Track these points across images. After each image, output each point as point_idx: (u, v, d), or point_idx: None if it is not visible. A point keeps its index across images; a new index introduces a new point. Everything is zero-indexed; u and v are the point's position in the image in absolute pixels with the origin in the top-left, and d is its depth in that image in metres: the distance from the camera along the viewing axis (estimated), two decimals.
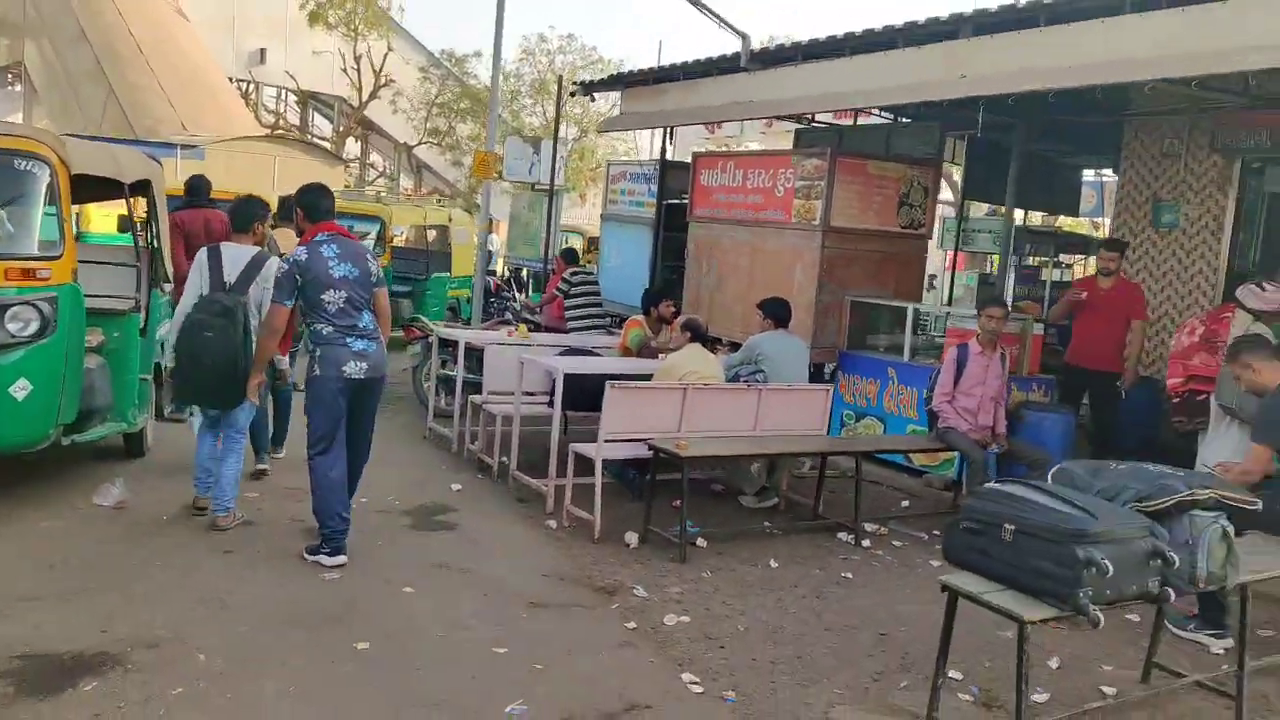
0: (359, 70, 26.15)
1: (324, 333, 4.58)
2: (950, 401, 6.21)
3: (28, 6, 25.34)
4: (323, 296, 4.55)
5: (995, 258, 13.16)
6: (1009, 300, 8.56)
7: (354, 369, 4.60)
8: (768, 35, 30.81)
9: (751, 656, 4.03)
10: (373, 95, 26.82)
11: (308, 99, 30.43)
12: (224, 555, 4.68)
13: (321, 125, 32.11)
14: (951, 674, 3.83)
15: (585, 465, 5.60)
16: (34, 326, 4.55)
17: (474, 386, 7.08)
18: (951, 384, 6.22)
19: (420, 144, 28.33)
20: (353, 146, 30.29)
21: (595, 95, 11.36)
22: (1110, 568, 3.13)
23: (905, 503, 6.66)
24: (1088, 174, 13.86)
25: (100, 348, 5.24)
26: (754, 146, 20.16)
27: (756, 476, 6.42)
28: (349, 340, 4.60)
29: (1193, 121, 7.88)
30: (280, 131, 26.46)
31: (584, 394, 6.05)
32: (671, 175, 9.81)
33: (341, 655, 3.71)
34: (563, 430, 6.00)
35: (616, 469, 6.07)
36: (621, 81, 10.03)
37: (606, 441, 5.49)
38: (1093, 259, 10.51)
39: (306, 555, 4.68)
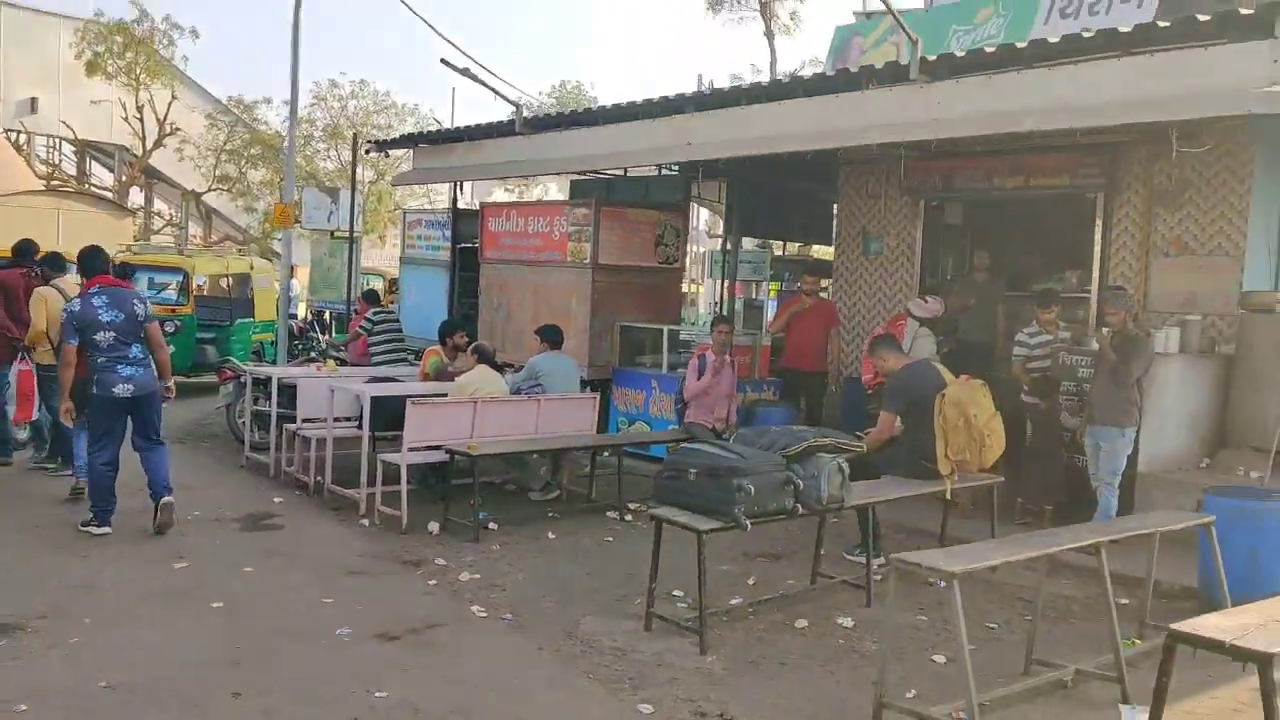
0: (141, 119, 25.80)
1: (99, 362, 6.05)
2: (695, 399, 7.85)
3: None
4: (95, 336, 6.00)
5: (771, 285, 15.25)
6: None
7: (122, 389, 6.03)
8: (554, 85, 32.68)
9: (525, 594, 5.39)
10: (157, 144, 26.48)
11: (85, 148, 29.47)
12: (82, 558, 5.56)
13: (101, 175, 31.09)
14: (675, 592, 5.34)
15: (391, 474, 6.79)
16: None
17: (284, 419, 8.08)
18: (695, 384, 7.86)
19: (209, 190, 28.12)
20: (137, 195, 29.54)
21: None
22: (754, 490, 4.74)
23: None
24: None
25: None
26: (543, 190, 21.79)
27: (542, 475, 7.81)
28: (118, 368, 6.03)
29: (887, 169, 10.05)
30: (57, 183, 25.63)
31: (388, 416, 7.25)
32: (463, 221, 11.16)
33: (201, 612, 4.77)
34: (371, 448, 7.15)
35: (420, 476, 7.28)
36: (413, 141, 11.30)
37: (409, 450, 6.72)
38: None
39: (80, 526, 6.06)
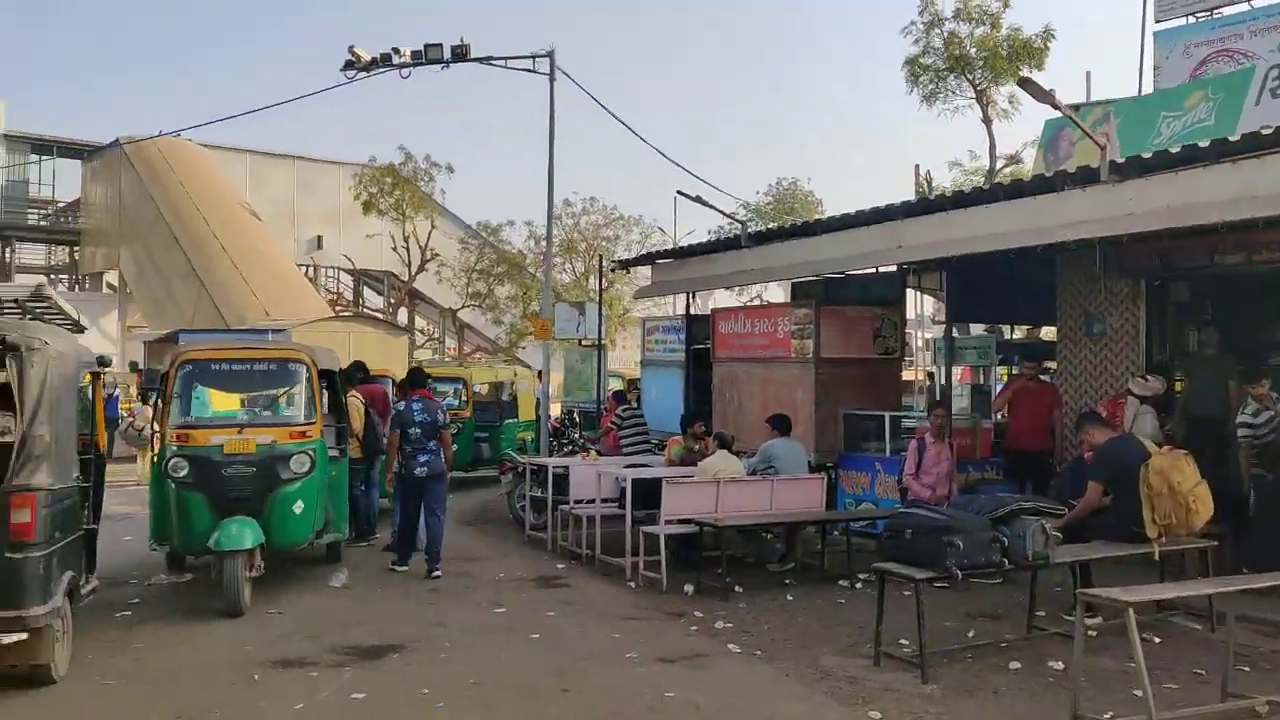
0: (408, 248, 30.11)
1: (406, 450, 8.62)
2: (915, 479, 8.87)
3: (121, 221, 29.92)
4: (409, 431, 8.58)
5: (1002, 369, 15.82)
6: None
7: (420, 471, 8.56)
8: (769, 184, 34.57)
9: (771, 638, 6.64)
10: (420, 269, 30.69)
11: (359, 276, 34.58)
12: (429, 605, 7.45)
13: (371, 298, 36.15)
14: (900, 640, 6.38)
15: (651, 543, 8.30)
16: (306, 467, 7.50)
17: (557, 502, 9.88)
18: (915, 466, 8.90)
19: (463, 307, 32.03)
20: (402, 315, 34.11)
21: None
22: (962, 545, 5.82)
23: None
24: None
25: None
26: (760, 290, 23.38)
27: (778, 549, 9.07)
28: (419, 456, 8.58)
29: (1105, 252, 10.74)
30: (340, 308, 30.29)
31: (644, 495, 8.82)
32: (695, 326, 12.84)
33: (524, 641, 6.42)
34: (631, 523, 8.71)
35: (674, 546, 8.74)
36: (651, 259, 13.23)
37: (666, 522, 8.22)
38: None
39: (391, 565, 8.74)
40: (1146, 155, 7.64)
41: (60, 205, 35.13)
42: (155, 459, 8.02)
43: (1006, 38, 19.15)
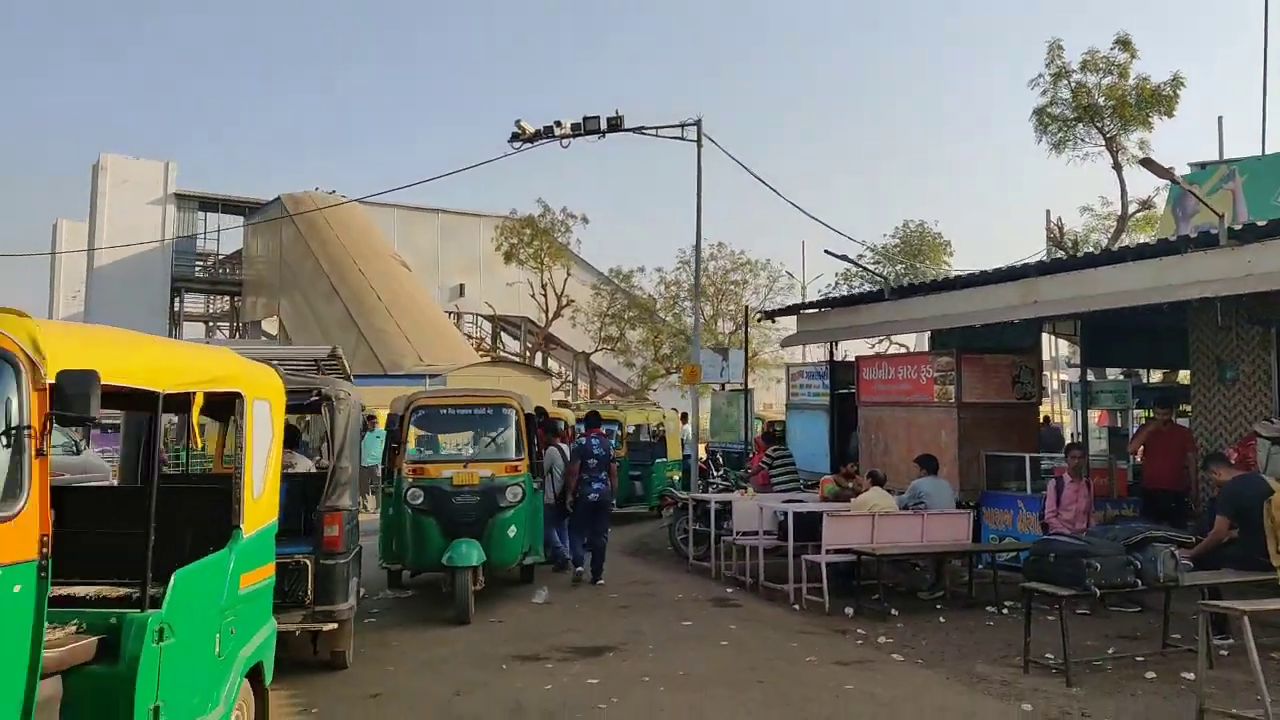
0: (545, 295, 32.23)
1: (584, 478, 10.56)
2: (1055, 516, 9.85)
3: (282, 272, 33.02)
4: (588, 461, 10.57)
5: (1140, 411, 16.42)
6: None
7: (594, 496, 10.50)
8: (897, 226, 35.34)
9: (929, 651, 7.77)
10: (556, 314, 32.77)
11: (497, 322, 36.95)
12: (624, 618, 8.88)
13: (508, 342, 38.48)
14: (1046, 655, 7.43)
15: (813, 571, 9.52)
16: (519, 497, 9.09)
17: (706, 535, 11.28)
18: (1055, 503, 9.87)
19: (596, 351, 33.92)
20: (536, 359, 36.28)
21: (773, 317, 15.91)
22: (1100, 567, 6.89)
23: None
24: None
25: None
26: (888, 341, 24.36)
27: (928, 579, 10.15)
28: (593, 484, 10.56)
29: (1234, 303, 11.51)
30: (482, 354, 32.56)
31: (801, 528, 10.06)
32: (839, 372, 14.05)
33: (715, 645, 7.77)
34: (792, 553, 9.96)
35: (832, 574, 9.93)
36: (795, 310, 14.55)
37: (827, 551, 9.44)
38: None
39: (573, 580, 10.59)
40: (1262, 223, 8.57)
41: (220, 258, 38.84)
42: (387, 490, 9.77)
43: (1135, 86, 19.81)
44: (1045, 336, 13.69)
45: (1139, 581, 7.05)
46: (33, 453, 3.44)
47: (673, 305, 33.42)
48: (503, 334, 38.87)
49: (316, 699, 6.42)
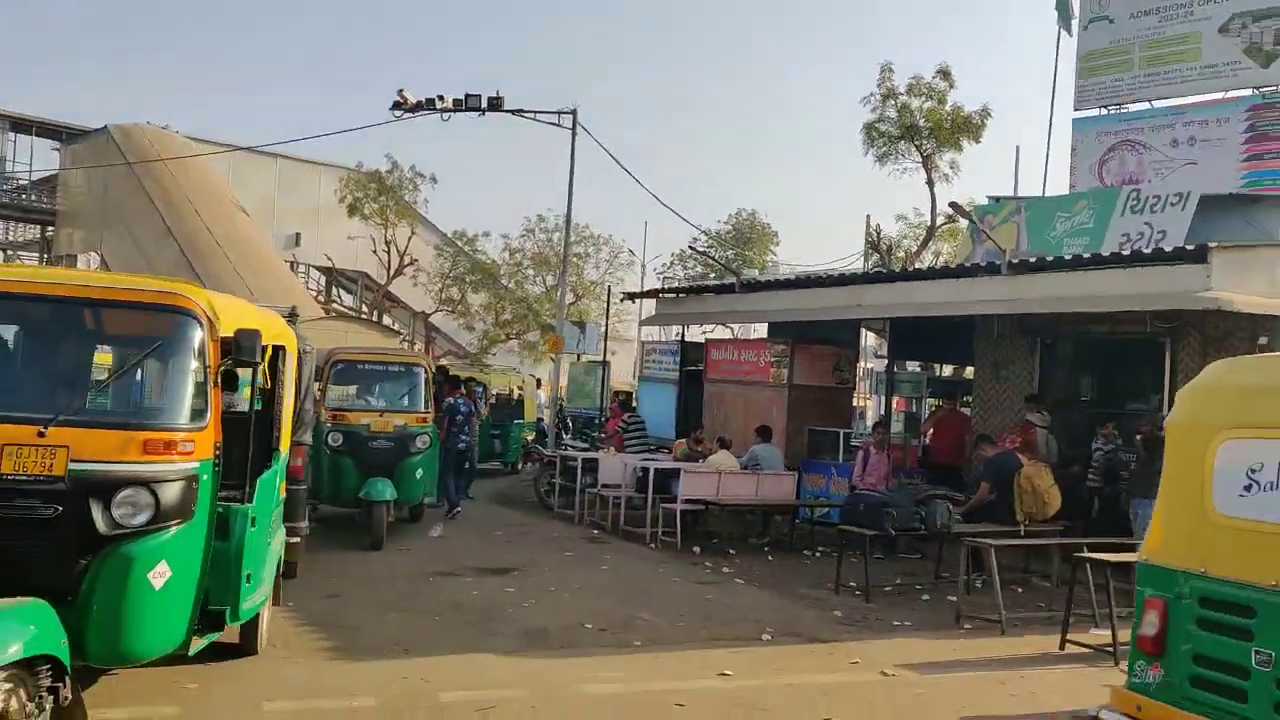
0: (388, 252, 33.05)
1: (452, 431, 12.68)
2: (861, 480, 12.49)
3: (106, 206, 32.25)
4: (456, 417, 12.82)
5: (932, 400, 19.68)
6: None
7: (460, 445, 12.96)
8: (730, 214, 38.27)
9: (761, 578, 10.13)
10: (398, 273, 33.65)
11: (331, 275, 37.31)
12: (519, 548, 10.82)
13: (343, 298, 38.86)
14: (850, 583, 9.92)
15: (668, 517, 11.74)
16: (427, 444, 10.82)
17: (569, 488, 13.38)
18: (862, 470, 12.52)
19: (435, 312, 35.04)
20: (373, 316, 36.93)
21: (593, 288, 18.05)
22: (896, 514, 9.46)
23: None
24: None
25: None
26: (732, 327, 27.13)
27: (758, 526, 12.61)
28: (460, 436, 12.95)
29: (1011, 318, 14.56)
30: (320, 306, 33.04)
31: (655, 483, 12.28)
32: (689, 351, 16.37)
33: (598, 569, 9.85)
34: (650, 503, 12.15)
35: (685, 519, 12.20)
36: (655, 294, 16.77)
37: (683, 501, 11.68)
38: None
39: (447, 515, 12.27)
40: (1032, 260, 11.43)
41: (29, 183, 37.14)
42: None
43: (950, 113, 23.14)
44: (861, 331, 16.54)
45: (923, 526, 9.68)
46: (212, 386, 5.08)
47: (516, 272, 35.01)
48: (338, 288, 39.22)
49: (286, 598, 8.03)
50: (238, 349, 5.04)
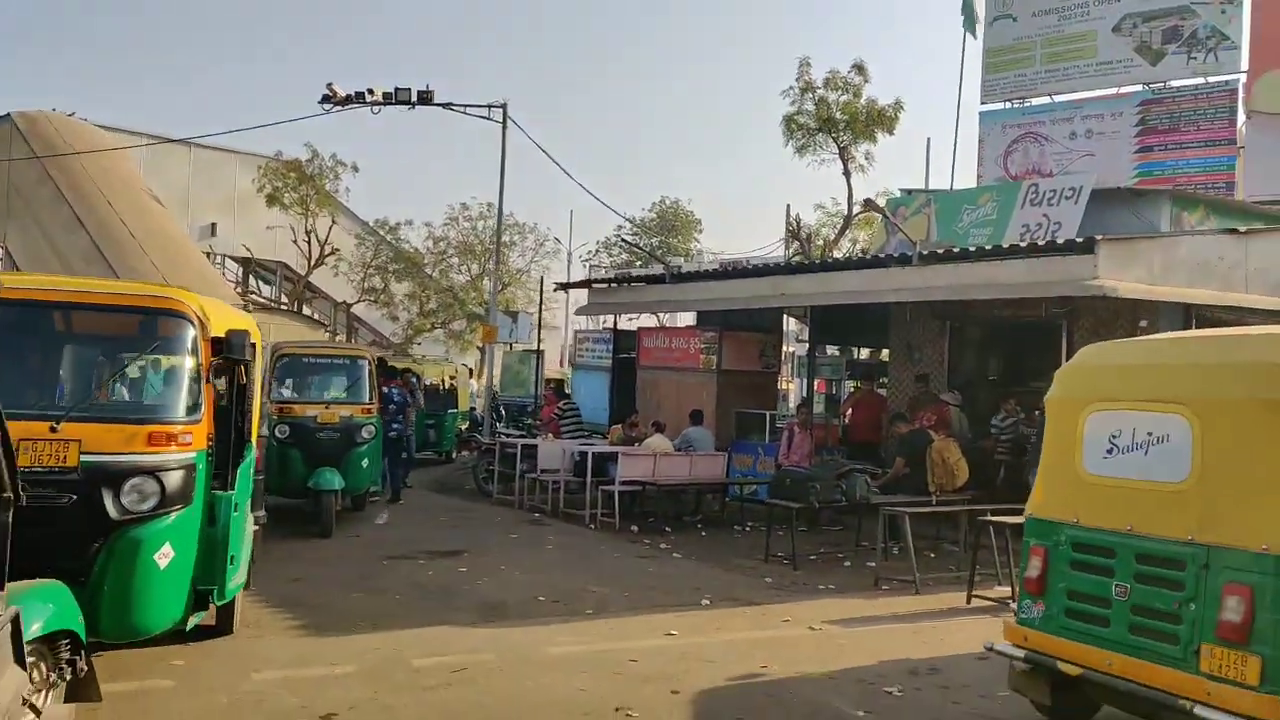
0: (309, 242, 32.98)
1: (385, 420, 12.39)
2: (786, 458, 13.39)
3: (11, 195, 31.47)
4: (389, 406, 12.69)
5: (851, 381, 20.77)
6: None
7: (393, 433, 13.28)
8: (654, 201, 39.07)
9: (695, 552, 10.94)
10: (319, 263, 33.59)
11: (250, 266, 36.98)
12: (462, 530, 11.42)
13: (261, 289, 38.54)
14: (778, 553, 10.79)
15: (605, 499, 12.46)
16: (372, 434, 11.34)
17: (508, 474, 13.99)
18: (787, 448, 13.42)
19: (358, 302, 35.08)
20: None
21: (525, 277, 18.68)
22: (819, 488, 10.35)
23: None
24: None
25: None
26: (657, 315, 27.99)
27: (690, 505, 13.43)
28: (393, 424, 13.24)
29: (922, 304, 15.60)
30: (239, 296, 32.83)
31: (595, 466, 13.00)
32: (622, 339, 17.10)
33: (543, 549, 10.53)
34: (589, 487, 12.85)
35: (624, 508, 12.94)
36: (588, 284, 17.44)
37: (620, 483, 12.42)
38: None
39: (389, 501, 12.82)
40: (940, 250, 12.42)
41: None
42: None
43: (865, 106, 24.22)
44: (784, 318, 17.48)
45: (844, 499, 10.59)
46: (204, 383, 5.63)
47: (440, 261, 35.25)
48: (256, 279, 38.84)
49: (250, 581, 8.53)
50: (228, 347, 5.60)
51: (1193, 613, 4.63)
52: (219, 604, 6.27)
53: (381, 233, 35.38)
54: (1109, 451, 5.18)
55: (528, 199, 76.04)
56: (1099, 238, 10.87)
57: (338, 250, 33.61)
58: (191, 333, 5.56)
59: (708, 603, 8.43)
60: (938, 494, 11.23)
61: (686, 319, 20.03)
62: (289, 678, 5.98)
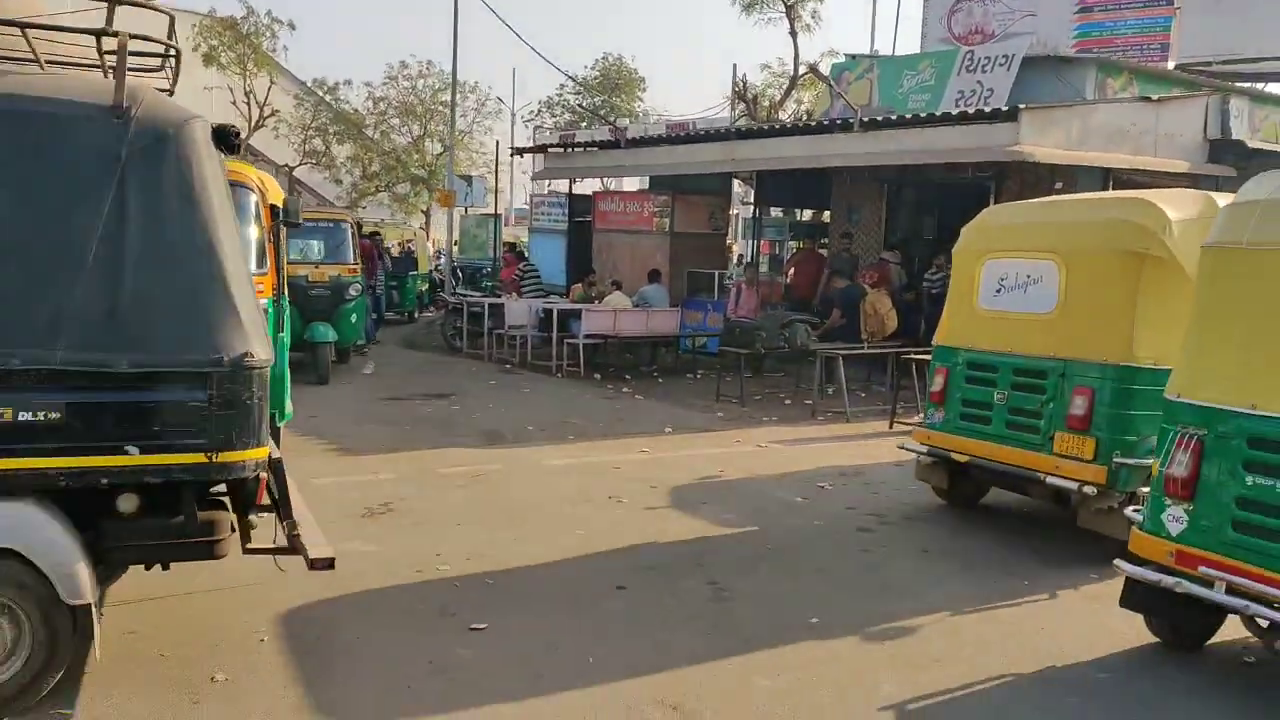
0: (249, 104, 32.99)
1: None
2: (734, 312, 14.97)
3: None
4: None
5: (794, 242, 22.32)
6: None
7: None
8: (597, 58, 39.34)
9: (655, 393, 12.56)
10: (258, 125, 33.68)
11: None
12: (437, 377, 12.89)
13: None
14: (726, 394, 12.44)
15: (570, 351, 13.94)
16: (359, 291, 12.59)
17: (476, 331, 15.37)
18: (734, 304, 14.98)
19: (300, 165, 35.36)
20: None
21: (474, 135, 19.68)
22: (765, 336, 11.98)
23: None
24: None
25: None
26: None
27: (647, 356, 15.02)
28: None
29: (866, 168, 17.02)
30: None
31: (559, 322, 14.44)
32: (577, 203, 18.30)
33: (523, 392, 12.08)
34: (555, 341, 14.31)
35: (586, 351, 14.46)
36: (544, 149, 18.49)
37: (585, 336, 13.90)
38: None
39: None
40: (879, 118, 13.77)
41: None
42: None
43: None
44: (732, 181, 18.81)
45: (787, 345, 12.22)
46: (268, 240, 6.89)
47: (381, 122, 35.52)
48: None
49: None
50: (285, 213, 6.82)
51: (1051, 410, 6.31)
52: (280, 424, 7.68)
53: (320, 93, 35.41)
54: (998, 291, 6.76)
55: (467, 56, 74.70)
56: (1021, 106, 12.30)
57: (278, 112, 33.68)
58: (255, 199, 6.76)
59: (670, 431, 10.06)
60: (870, 341, 12.93)
61: (632, 184, 21.27)
62: (340, 482, 7.47)
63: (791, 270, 16.73)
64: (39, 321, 3.65)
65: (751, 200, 24.38)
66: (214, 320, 3.85)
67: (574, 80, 36.21)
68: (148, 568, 4.31)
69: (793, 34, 26.78)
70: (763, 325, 12.34)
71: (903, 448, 7.26)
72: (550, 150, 18.36)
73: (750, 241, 23.02)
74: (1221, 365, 4.52)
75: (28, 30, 4.73)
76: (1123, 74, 16.01)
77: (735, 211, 28.61)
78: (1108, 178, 13.36)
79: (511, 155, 19.57)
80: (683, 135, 16.14)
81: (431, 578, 5.54)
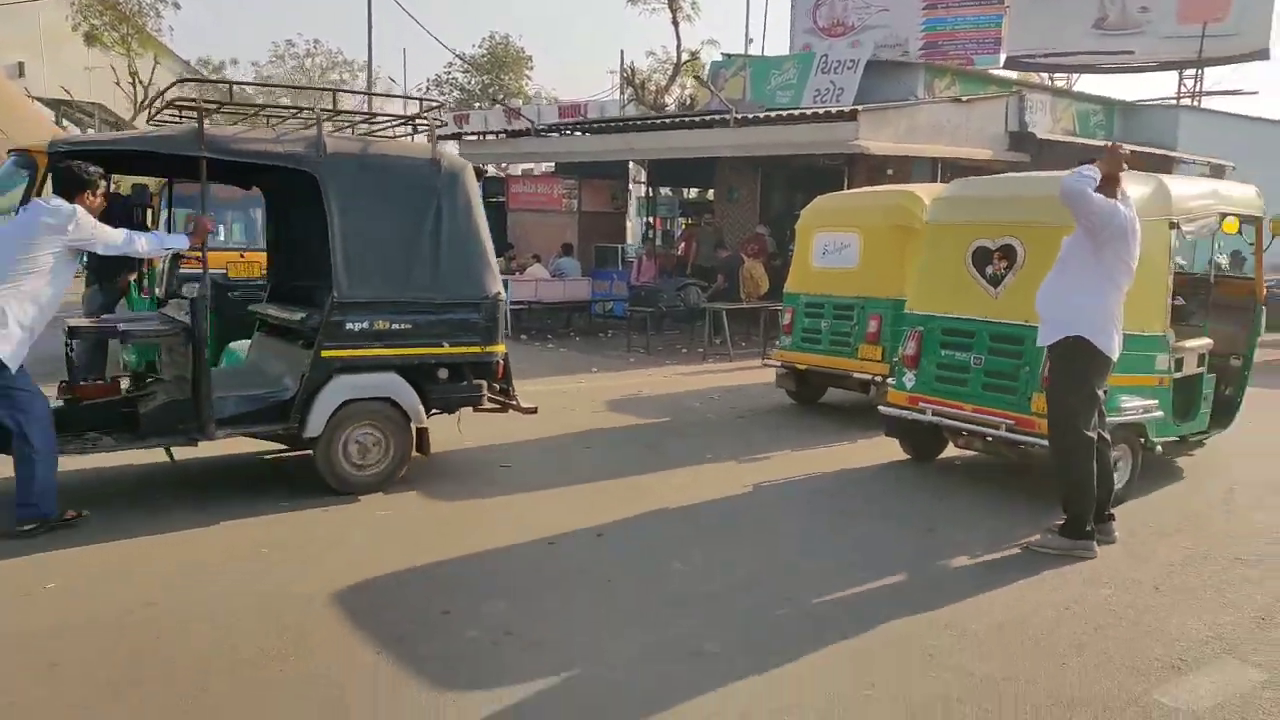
0: (134, 84, 35.28)
1: None
2: (638, 279, 18.89)
3: None
4: None
5: (683, 220, 26.38)
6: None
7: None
8: (484, 36, 42.59)
9: (574, 352, 16.41)
10: (143, 106, 35.96)
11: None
12: None
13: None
14: (638, 347, 16.37)
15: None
16: None
17: None
18: (638, 273, 18.91)
19: None
20: None
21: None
22: (665, 297, 15.97)
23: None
24: None
25: None
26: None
27: (565, 319, 18.85)
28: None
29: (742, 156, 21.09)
30: None
31: None
32: (489, 185, 21.91)
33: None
34: None
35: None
36: (457, 137, 22.05)
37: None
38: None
39: None
40: (750, 115, 17.88)
41: None
42: None
43: None
44: (629, 165, 22.74)
45: (682, 305, 16.23)
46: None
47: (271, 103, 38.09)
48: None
49: None
50: None
51: (856, 330, 10.43)
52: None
53: (205, 72, 37.81)
54: (823, 254, 10.85)
55: (356, 36, 76.61)
56: (860, 108, 16.55)
57: (164, 92, 35.95)
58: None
59: (596, 370, 13.93)
60: (747, 300, 17.02)
61: (527, 165, 24.90)
62: None
63: (683, 244, 20.78)
64: (401, 277, 7.24)
65: (644, 180, 28.41)
66: (482, 276, 7.58)
67: (461, 58, 39.50)
68: (447, 412, 7.90)
69: (674, 24, 30.85)
70: (663, 288, 16.29)
71: (765, 364, 11.30)
72: (465, 139, 21.92)
73: (643, 220, 27.03)
74: (930, 290, 8.63)
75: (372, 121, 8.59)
76: (947, 75, 20.55)
77: (630, 189, 32.66)
78: (936, 166, 17.81)
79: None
80: (588, 125, 19.99)
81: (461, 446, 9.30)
